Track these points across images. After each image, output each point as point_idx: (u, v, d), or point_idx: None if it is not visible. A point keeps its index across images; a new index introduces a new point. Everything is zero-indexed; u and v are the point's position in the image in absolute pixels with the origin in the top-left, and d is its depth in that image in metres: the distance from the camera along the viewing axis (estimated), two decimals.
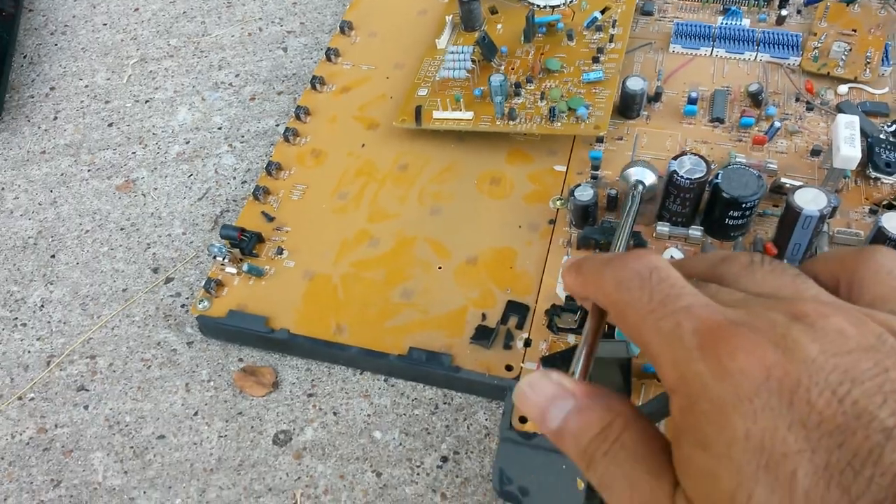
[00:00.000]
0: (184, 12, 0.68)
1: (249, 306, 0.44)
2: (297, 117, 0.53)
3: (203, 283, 0.46)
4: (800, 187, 0.41)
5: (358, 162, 0.51)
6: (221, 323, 0.43)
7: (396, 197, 0.49)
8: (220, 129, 0.58)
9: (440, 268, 0.45)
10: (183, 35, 0.66)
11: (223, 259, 0.45)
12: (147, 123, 0.60)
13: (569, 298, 0.42)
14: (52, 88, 0.63)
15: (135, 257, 0.51)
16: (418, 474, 0.40)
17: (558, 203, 0.47)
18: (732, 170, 0.42)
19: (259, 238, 0.46)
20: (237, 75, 0.62)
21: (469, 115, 0.49)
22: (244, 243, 0.45)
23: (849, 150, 0.43)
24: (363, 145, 0.51)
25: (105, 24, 0.68)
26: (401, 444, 0.41)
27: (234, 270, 0.45)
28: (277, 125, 0.58)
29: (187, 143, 0.58)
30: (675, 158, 0.43)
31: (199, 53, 0.64)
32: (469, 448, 0.40)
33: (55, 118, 0.61)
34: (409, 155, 0.51)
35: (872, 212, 0.44)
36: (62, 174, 0.57)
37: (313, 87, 0.55)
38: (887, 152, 0.46)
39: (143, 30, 0.67)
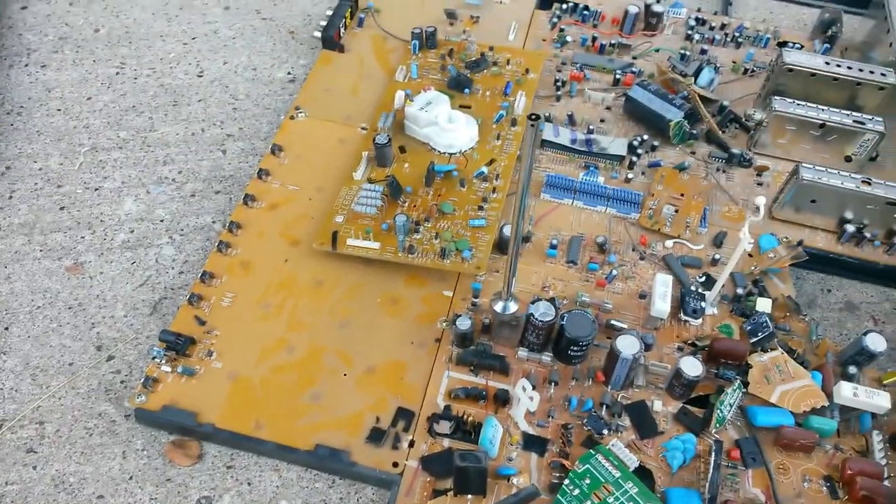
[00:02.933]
0: (133, 106, 0.76)
1: (181, 402, 0.52)
2: (230, 231, 0.62)
3: (141, 364, 0.53)
4: (621, 332, 0.54)
5: (280, 276, 0.60)
6: (156, 416, 0.51)
7: (311, 310, 0.58)
8: (161, 221, 0.66)
9: (345, 375, 0.54)
10: (132, 128, 0.74)
11: (161, 360, 0.53)
12: (96, 210, 0.66)
13: (446, 408, 0.53)
14: (7, 168, 0.69)
15: (81, 335, 0.57)
16: None
17: (444, 325, 0.58)
18: (574, 314, 0.55)
19: (192, 341, 0.54)
20: (180, 172, 0.70)
21: (376, 245, 0.60)
22: (180, 346, 0.53)
23: (661, 305, 0.56)
24: (286, 261, 0.61)
25: (59, 110, 0.74)
26: None
27: (168, 369, 0.53)
28: (214, 222, 0.66)
29: (132, 231, 0.65)
30: (532, 303, 0.55)
31: (146, 148, 0.72)
32: None
33: (10, 197, 0.66)
34: (325, 273, 0.60)
35: (680, 348, 0.58)
36: (16, 252, 0.62)
37: (245, 203, 0.64)
38: (695, 301, 0.60)
39: (94, 119, 0.74)
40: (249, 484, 0.51)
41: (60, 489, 0.50)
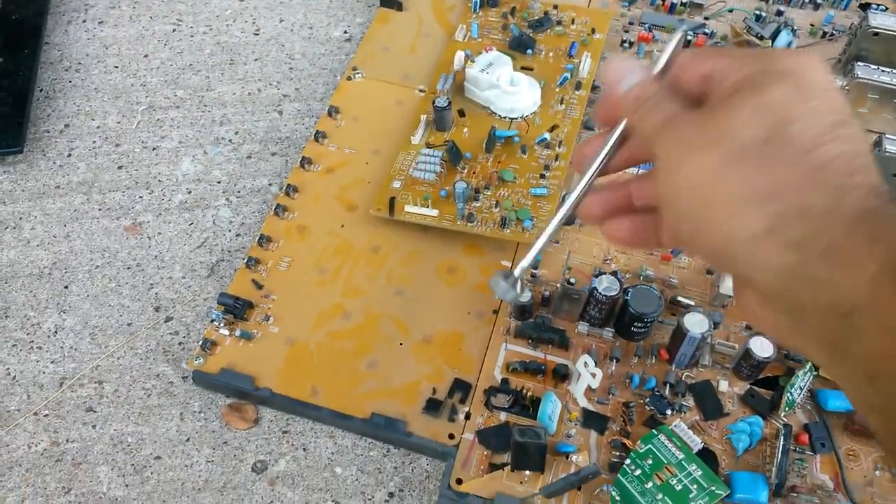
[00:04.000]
0: (190, 65, 0.74)
1: (238, 365, 0.51)
2: (287, 194, 0.60)
3: (198, 326, 0.53)
4: (689, 309, 0.51)
5: (337, 240, 0.58)
6: (214, 378, 0.51)
7: (368, 276, 0.56)
8: (219, 182, 0.65)
9: (401, 344, 0.53)
10: (189, 87, 0.72)
11: (219, 323, 0.52)
12: (154, 170, 0.65)
13: (503, 381, 0.51)
14: (66, 125, 0.68)
15: (139, 295, 0.57)
16: None
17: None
18: (639, 289, 0.52)
19: (250, 305, 0.53)
20: (236, 133, 0.68)
21: (435, 212, 0.57)
22: (237, 310, 0.52)
23: (731, 282, 0.53)
24: (342, 226, 0.59)
25: (116, 67, 0.73)
26: (357, 479, 0.49)
27: (226, 332, 0.52)
28: (270, 184, 0.65)
29: (189, 192, 0.64)
30: (596, 276, 0.52)
31: (203, 107, 0.70)
32: (412, 487, 0.49)
33: (69, 155, 0.66)
34: (381, 239, 0.58)
35: (748, 327, 0.55)
36: (75, 210, 0.62)
37: (302, 166, 0.62)
38: None
39: (151, 77, 0.73)
40: (305, 449, 0.50)
41: (119, 448, 0.50)
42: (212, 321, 0.52)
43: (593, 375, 0.48)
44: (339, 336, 0.53)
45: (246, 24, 0.78)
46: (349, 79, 0.69)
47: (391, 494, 0.49)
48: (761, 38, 0.69)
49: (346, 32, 0.77)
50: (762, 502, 0.46)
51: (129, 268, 0.59)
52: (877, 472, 0.48)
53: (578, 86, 0.66)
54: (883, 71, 0.65)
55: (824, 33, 0.74)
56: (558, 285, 0.54)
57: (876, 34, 0.67)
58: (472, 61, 0.65)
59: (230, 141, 0.68)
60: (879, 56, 0.69)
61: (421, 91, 0.68)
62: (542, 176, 0.60)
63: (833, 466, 0.49)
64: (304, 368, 0.52)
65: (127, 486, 0.48)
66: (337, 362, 0.52)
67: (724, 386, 0.52)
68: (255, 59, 0.74)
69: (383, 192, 0.59)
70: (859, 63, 0.65)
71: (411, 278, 0.56)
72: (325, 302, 0.55)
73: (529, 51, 0.69)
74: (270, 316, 0.54)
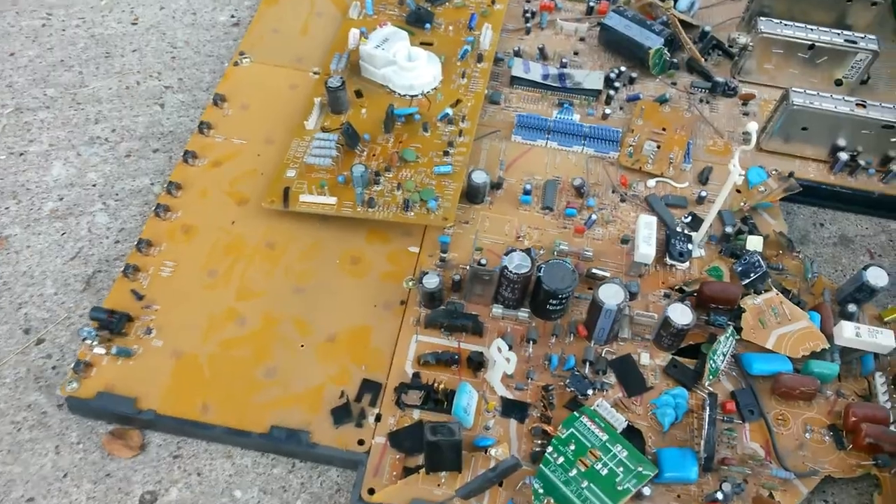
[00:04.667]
0: (61, 60, 0.67)
1: (118, 387, 0.45)
2: (169, 192, 0.54)
3: (74, 347, 0.47)
4: (604, 281, 0.48)
5: (227, 238, 0.53)
6: (91, 404, 0.44)
7: (263, 274, 0.51)
8: (94, 186, 0.58)
9: (303, 346, 0.48)
10: (60, 85, 0.65)
11: (93, 341, 0.46)
12: (21, 178, 0.58)
13: (415, 376, 0.47)
14: None
15: (6, 317, 0.50)
16: None
17: (410, 284, 0.51)
18: (552, 264, 0.48)
19: (128, 318, 0.47)
20: (113, 130, 0.62)
21: (333, 200, 0.52)
22: (113, 324, 0.46)
23: (646, 249, 0.50)
24: (233, 222, 0.53)
25: None
26: (259, 501, 0.44)
27: (102, 351, 0.46)
28: (152, 184, 0.58)
29: (61, 199, 0.57)
30: (506, 254, 0.48)
31: (76, 105, 0.63)
32: (321, 503, 0.44)
33: None
34: (277, 233, 0.53)
35: (667, 295, 0.52)
36: None
37: (185, 161, 0.56)
38: (681, 243, 0.53)
39: (18, 76, 0.65)
40: (199, 474, 0.45)
41: None
42: (84, 340, 0.46)
43: (508, 361, 0.45)
44: (233, 344, 0.48)
45: (123, 13, 0.70)
46: (236, 64, 0.63)
47: None
48: None
49: (233, 17, 0.71)
50: (692, 479, 0.43)
51: None
52: (807, 435, 0.46)
53: (480, 58, 0.62)
54: (786, 25, 0.63)
55: None
56: (468, 267, 0.50)
57: None
58: (367, 38, 0.60)
59: (106, 140, 0.61)
60: (781, 11, 0.67)
61: (315, 73, 0.63)
62: (446, 153, 0.55)
63: (763, 433, 0.46)
64: (194, 384, 0.46)
65: None
66: (231, 373, 0.47)
67: (645, 359, 0.48)
68: (134, 51, 0.67)
69: (276, 183, 0.54)
70: (762, 18, 0.63)
71: (311, 274, 0.51)
72: (215, 307, 0.49)
73: (428, 25, 0.64)
74: (152, 328, 0.48)
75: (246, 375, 0.46)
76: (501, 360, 0.45)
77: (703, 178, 0.58)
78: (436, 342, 0.49)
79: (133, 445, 0.45)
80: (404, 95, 0.59)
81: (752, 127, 0.46)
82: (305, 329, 0.49)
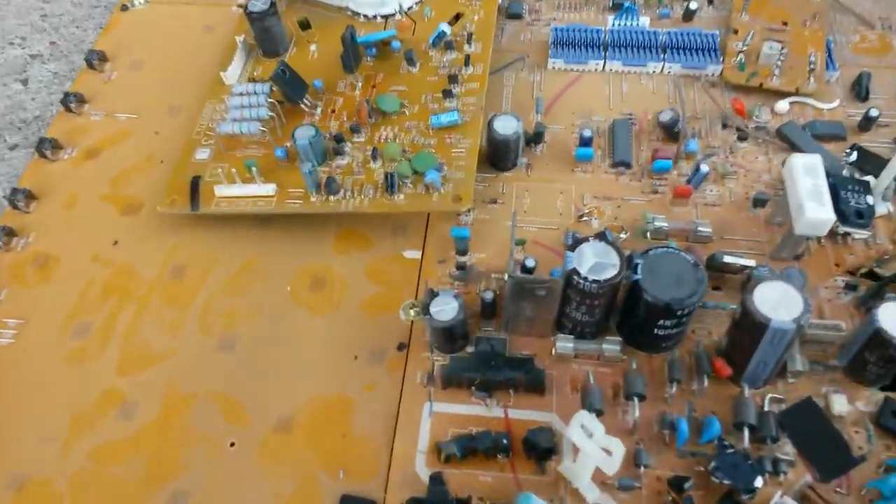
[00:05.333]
0: None
1: None
2: (15, 206, 0.35)
3: None
4: (754, 275, 0.27)
5: (107, 271, 0.33)
6: None
7: (166, 326, 0.32)
8: None
9: (233, 444, 0.28)
10: None
11: None
12: None
13: (434, 481, 0.27)
14: None
15: None
16: None
17: (412, 313, 0.31)
18: (656, 257, 0.28)
19: None
20: None
21: (270, 189, 0.33)
22: None
23: (817, 211, 0.29)
24: (116, 243, 0.34)
25: None
26: None
27: None
28: (5, 196, 0.39)
29: None
30: (571, 248, 0.28)
31: None
32: None
33: None
34: (187, 253, 0.34)
35: (850, 287, 0.31)
36: None
37: (42, 155, 0.37)
38: (856, 196, 0.33)
39: None
40: None
41: None
42: None
43: (608, 452, 0.25)
44: (115, 453, 0.28)
45: None
46: (125, 8, 0.44)
47: None
48: None
49: None
50: None
51: None
52: None
53: None
54: None
55: None
56: (505, 277, 0.31)
57: None
58: None
59: None
60: None
61: (239, 7, 0.43)
62: (448, 94, 0.35)
63: None
64: None
65: None
66: None
67: (839, 404, 0.28)
68: None
69: (180, 173, 0.35)
70: None
71: (246, 315, 0.32)
72: (86, 391, 0.30)
73: None
74: None
75: None
76: (593, 449, 0.25)
77: (861, 92, 0.38)
78: (467, 413, 0.29)
79: None
80: (374, 17, 0.40)
81: None
82: (238, 414, 0.29)
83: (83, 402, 0.30)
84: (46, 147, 0.37)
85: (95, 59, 0.41)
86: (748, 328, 0.26)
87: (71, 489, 0.28)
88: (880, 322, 0.27)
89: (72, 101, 0.39)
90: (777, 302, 0.26)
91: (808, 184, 0.30)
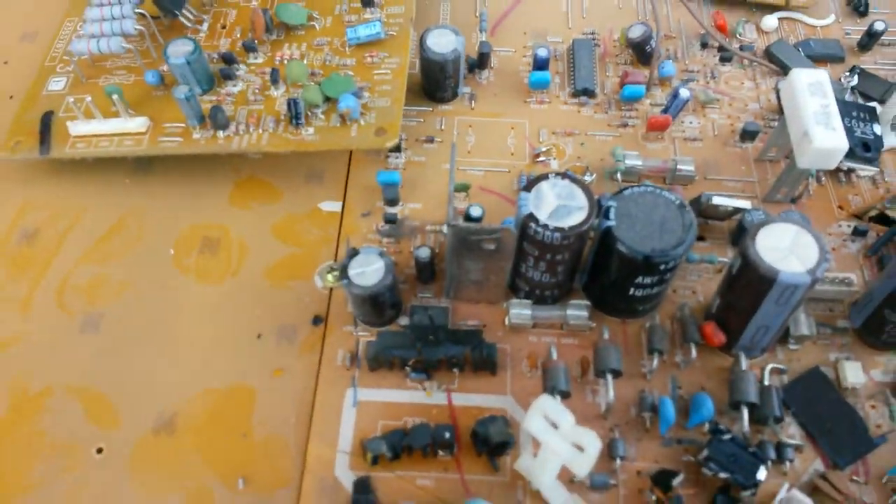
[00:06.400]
0: None
1: None
2: None
3: None
4: (747, 220, 0.23)
5: None
6: None
7: (14, 302, 0.26)
8: None
9: (100, 451, 0.23)
10: None
11: None
12: None
13: (360, 488, 0.22)
14: None
15: None
16: None
17: (330, 278, 0.26)
18: (633, 198, 0.23)
19: None
20: None
21: (140, 123, 0.27)
22: None
23: (827, 139, 0.25)
24: None
25: None
26: None
27: None
28: None
29: None
30: (527, 189, 0.23)
31: None
32: None
33: None
34: (39, 210, 0.27)
35: (858, 233, 0.27)
36: None
37: None
38: (861, 125, 0.29)
39: None
40: None
41: None
42: None
43: (579, 448, 0.20)
44: None
45: None
46: None
47: None
48: None
49: None
50: None
51: None
52: None
53: None
54: None
55: None
56: (444, 229, 0.25)
57: None
58: None
59: None
60: None
61: None
62: (368, 2, 0.30)
63: None
64: None
65: None
66: None
67: (853, 375, 0.24)
68: None
69: (29, 109, 0.28)
70: None
71: (116, 286, 0.26)
72: None
73: None
74: None
75: None
76: (558, 444, 0.20)
77: (860, 5, 0.33)
78: (399, 400, 0.24)
79: None
80: None
81: None
82: (105, 413, 0.24)
83: None
84: None
85: None
86: (749, 284, 0.22)
87: None
88: (765, 261, 0.22)
89: None
90: (788, 250, 0.22)
91: (814, 105, 0.26)
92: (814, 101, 0.26)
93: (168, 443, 0.24)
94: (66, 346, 0.25)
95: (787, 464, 0.23)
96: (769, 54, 0.33)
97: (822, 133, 0.25)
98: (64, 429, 0.24)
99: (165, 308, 0.26)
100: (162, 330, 0.26)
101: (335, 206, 0.29)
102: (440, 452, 0.23)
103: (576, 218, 0.23)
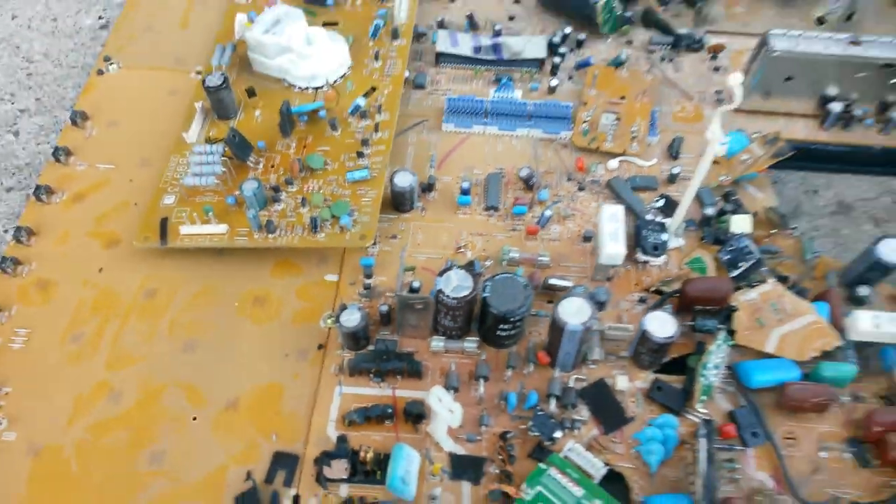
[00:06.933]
0: None
1: None
2: (18, 241, 0.46)
3: None
4: (565, 294, 0.41)
5: (94, 293, 0.45)
6: None
7: (142, 333, 0.43)
8: None
9: (195, 419, 0.40)
10: None
11: None
12: None
13: (341, 440, 0.40)
14: None
15: None
16: None
17: (329, 322, 0.44)
18: (500, 280, 0.41)
19: None
20: None
21: (223, 228, 0.45)
22: None
23: (613, 247, 0.43)
24: (101, 270, 0.46)
25: None
26: None
27: None
28: (5, 231, 0.50)
29: None
30: (440, 274, 0.41)
31: None
32: None
33: None
34: (157, 278, 0.45)
35: (642, 300, 0.45)
36: None
37: (38, 199, 0.48)
38: (654, 234, 0.47)
39: None
40: None
41: None
42: None
43: (452, 412, 0.38)
44: (107, 427, 0.40)
45: None
46: (100, 73, 0.55)
47: None
48: None
49: (101, 18, 0.63)
50: None
51: None
52: (823, 454, 0.40)
53: (396, 34, 0.54)
54: None
55: None
56: (395, 295, 0.43)
57: None
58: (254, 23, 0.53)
59: None
60: None
61: (198, 73, 0.55)
62: (360, 154, 0.48)
63: (771, 459, 0.40)
64: (60, 485, 0.38)
65: None
66: (106, 466, 0.39)
67: (622, 382, 0.42)
68: None
69: (152, 214, 0.46)
70: None
71: (204, 325, 0.44)
72: (82, 382, 0.41)
73: (330, 1, 0.57)
74: (2, 419, 0.40)
75: (125, 467, 0.39)
76: (443, 410, 0.38)
77: (673, 152, 0.52)
78: (366, 393, 0.42)
79: None
80: (306, 89, 0.52)
81: (736, 79, 0.38)
82: (198, 397, 0.41)
83: (81, 391, 0.41)
84: (42, 193, 0.48)
85: (78, 119, 0.52)
86: (555, 329, 0.40)
87: (76, 453, 0.39)
88: (646, 326, 0.40)
89: (60, 154, 0.50)
90: (573, 313, 0.39)
91: (610, 227, 0.44)
92: (610, 224, 0.44)
93: (234, 415, 0.41)
94: (173, 361, 0.43)
95: (576, 430, 0.40)
96: (609, 185, 0.51)
97: (610, 244, 0.43)
98: (174, 406, 0.41)
99: (232, 337, 0.44)
100: (231, 350, 0.43)
101: (334, 277, 0.47)
102: (386, 421, 0.41)
103: (466, 292, 0.41)
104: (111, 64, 0.56)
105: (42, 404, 0.41)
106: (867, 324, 0.42)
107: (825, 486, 0.39)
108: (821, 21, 0.58)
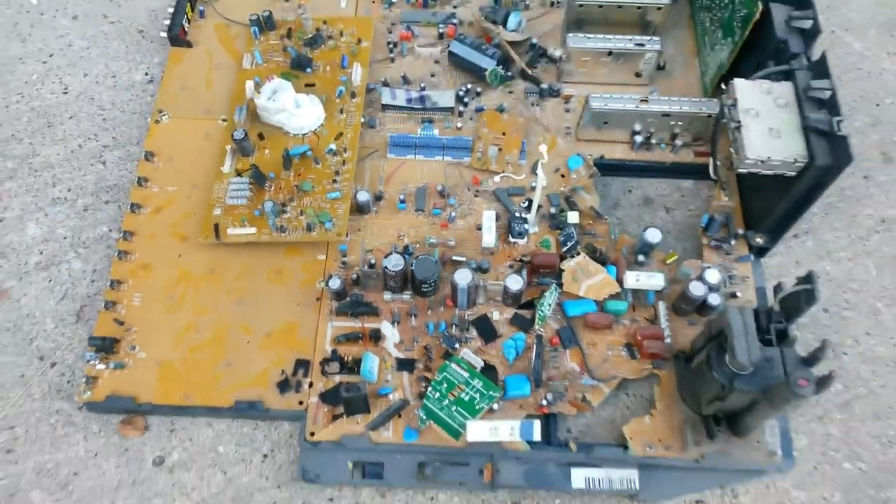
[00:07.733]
0: (12, 135, 0.84)
1: (120, 390, 0.67)
2: (125, 239, 0.74)
3: (80, 365, 0.68)
4: (459, 266, 0.71)
5: (177, 270, 0.73)
6: (103, 405, 0.66)
7: (210, 295, 0.72)
8: (65, 238, 0.77)
9: (248, 342, 0.70)
10: (16, 157, 0.82)
11: (94, 361, 0.67)
12: (5, 240, 0.77)
13: (333, 352, 0.69)
14: None
15: (23, 350, 0.71)
16: (250, 468, 0.66)
17: (321, 285, 0.73)
18: (421, 259, 0.71)
19: (115, 340, 0.68)
20: (69, 190, 0.80)
21: (253, 230, 0.73)
22: (107, 347, 0.67)
23: (488, 238, 0.73)
24: (179, 256, 0.74)
25: None
26: (236, 451, 0.67)
27: (103, 367, 0.67)
28: (110, 230, 0.78)
29: (41, 253, 0.76)
30: (386, 256, 0.71)
31: (34, 173, 0.81)
32: (280, 446, 0.67)
33: None
34: (215, 261, 0.74)
35: (511, 267, 0.75)
36: None
37: (132, 212, 0.76)
38: (519, 224, 0.77)
39: None
40: (191, 440, 0.67)
41: (42, 475, 0.65)
42: (88, 361, 0.67)
43: (394, 334, 0.68)
44: (197, 348, 0.70)
45: (54, 84, 0.88)
46: (157, 122, 0.82)
47: (265, 455, 0.67)
48: (495, 23, 0.87)
49: (147, 74, 0.89)
50: (527, 394, 0.68)
51: (8, 329, 0.72)
52: (609, 352, 0.71)
53: (353, 94, 0.83)
54: (588, 38, 0.85)
55: (552, 2, 0.94)
56: (360, 269, 0.73)
57: (581, 6, 0.87)
58: (259, 91, 0.80)
59: (65, 199, 0.80)
60: (594, 18, 0.89)
61: (223, 121, 0.83)
62: (335, 181, 0.77)
63: (578, 356, 0.71)
64: (175, 380, 0.68)
65: (57, 500, 0.64)
66: (200, 369, 0.69)
67: (496, 315, 0.72)
68: (70, 118, 0.85)
69: (207, 221, 0.75)
70: (570, 34, 0.85)
71: (246, 288, 0.73)
72: (178, 324, 0.71)
73: (309, 69, 0.84)
74: (136, 345, 0.69)
75: (210, 369, 0.68)
76: (390, 333, 0.68)
77: (535, 170, 0.81)
78: (346, 325, 0.71)
79: (139, 427, 0.67)
80: (297, 135, 0.80)
81: (543, 148, 0.69)
82: (249, 330, 0.71)
83: (178, 328, 0.71)
84: (135, 207, 0.76)
85: (148, 156, 0.79)
86: (454, 287, 0.70)
87: (181, 362, 0.69)
88: (507, 283, 0.70)
89: (142, 181, 0.77)
90: (463, 276, 0.69)
91: (487, 224, 0.73)
92: (487, 222, 0.74)
93: (270, 339, 0.70)
94: (230, 310, 0.72)
95: (468, 343, 0.71)
96: (494, 193, 0.80)
97: (486, 235, 0.73)
98: (234, 335, 0.71)
99: (265, 295, 0.73)
100: (265, 303, 0.72)
101: (323, 258, 0.75)
102: (359, 340, 0.71)
103: (401, 267, 0.70)
104: (163, 115, 0.83)
105: (158, 336, 0.70)
106: (631, 280, 0.73)
107: (610, 370, 0.71)
108: (639, 74, 0.88)
